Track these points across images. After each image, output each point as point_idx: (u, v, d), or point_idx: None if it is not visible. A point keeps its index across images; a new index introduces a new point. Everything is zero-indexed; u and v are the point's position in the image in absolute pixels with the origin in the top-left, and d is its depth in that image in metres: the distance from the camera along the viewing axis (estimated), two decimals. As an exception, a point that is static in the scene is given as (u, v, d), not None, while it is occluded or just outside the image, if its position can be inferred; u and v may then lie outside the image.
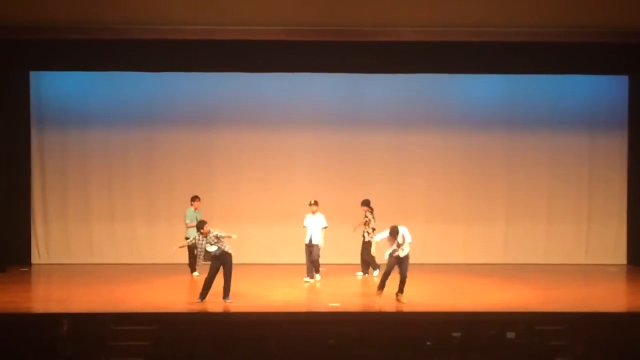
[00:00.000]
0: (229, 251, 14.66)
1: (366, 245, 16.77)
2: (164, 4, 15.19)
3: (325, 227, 16.66)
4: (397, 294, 14.69)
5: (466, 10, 15.23)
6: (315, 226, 16.64)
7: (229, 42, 16.08)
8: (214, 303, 14.68)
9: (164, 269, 17.97)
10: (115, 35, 15.64)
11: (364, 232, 17.08)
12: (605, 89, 19.08)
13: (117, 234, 18.96)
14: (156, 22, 15.38)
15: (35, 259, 18.84)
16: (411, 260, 18.46)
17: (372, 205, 17.26)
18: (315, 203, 16.70)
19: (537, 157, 19.21)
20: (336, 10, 15.18)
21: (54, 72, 18.52)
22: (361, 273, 17.17)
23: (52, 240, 18.95)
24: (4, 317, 13.39)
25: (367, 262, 17.00)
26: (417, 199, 19.17)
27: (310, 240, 16.61)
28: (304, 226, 16.73)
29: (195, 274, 17.07)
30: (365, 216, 17.09)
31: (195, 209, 17.34)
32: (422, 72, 17.90)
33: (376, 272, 16.82)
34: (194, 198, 17.46)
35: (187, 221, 17.28)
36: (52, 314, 13.71)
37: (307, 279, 16.65)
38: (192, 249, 16.65)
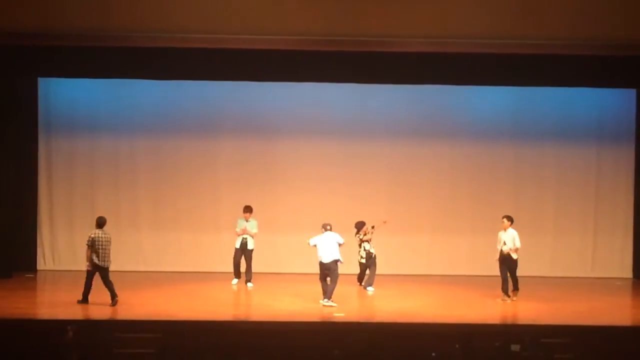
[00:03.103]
0: (96, 262, 14.83)
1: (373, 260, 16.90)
2: (173, 13, 15.22)
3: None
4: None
5: (474, 22, 15.24)
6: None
7: (237, 51, 16.12)
8: (220, 312, 14.70)
9: (170, 276, 18.03)
10: (124, 42, 15.70)
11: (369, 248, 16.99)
12: (612, 102, 19.08)
13: (123, 241, 18.91)
14: (164, 31, 15.43)
15: (41, 265, 18.89)
16: (416, 271, 18.69)
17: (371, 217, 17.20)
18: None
19: (544, 170, 19.21)
20: (344, 21, 15.19)
21: (62, 79, 18.58)
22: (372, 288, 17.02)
23: (58, 246, 18.99)
24: (10, 323, 13.40)
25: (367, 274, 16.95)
26: (423, 211, 19.16)
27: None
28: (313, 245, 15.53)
29: (245, 284, 17.26)
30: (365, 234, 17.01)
31: (246, 219, 17.28)
32: (429, 83, 17.98)
33: (371, 289, 16.82)
34: (245, 209, 17.31)
35: (237, 230, 17.32)
36: (58, 320, 13.72)
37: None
38: (236, 256, 17.20)
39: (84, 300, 14.90)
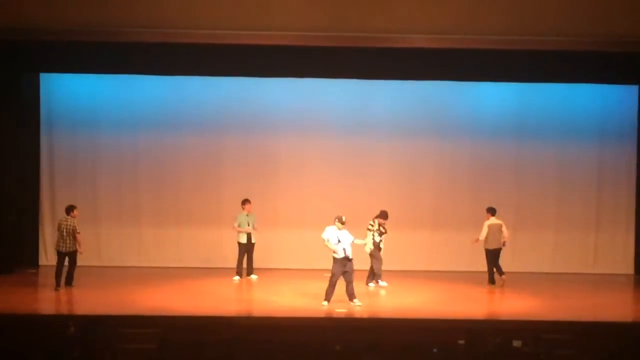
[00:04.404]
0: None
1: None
2: (176, 8, 15.22)
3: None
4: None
5: (477, 19, 15.24)
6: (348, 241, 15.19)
7: (239, 47, 16.12)
8: (221, 307, 14.71)
9: (171, 272, 18.04)
10: (125, 38, 15.68)
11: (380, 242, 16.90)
12: (615, 99, 19.05)
13: (124, 237, 18.99)
14: (167, 26, 15.42)
15: (42, 260, 18.90)
16: (418, 267, 18.71)
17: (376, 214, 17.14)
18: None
19: (546, 166, 19.19)
20: (347, 17, 15.20)
21: (64, 74, 18.58)
22: (373, 284, 17.02)
23: (59, 242, 18.99)
24: (12, 318, 13.40)
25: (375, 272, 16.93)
26: (425, 207, 19.15)
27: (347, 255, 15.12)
28: (323, 237, 15.02)
29: (236, 278, 17.30)
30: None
31: (247, 212, 17.33)
32: (431, 79, 17.99)
33: (373, 285, 16.87)
34: (244, 201, 17.37)
35: (235, 225, 17.35)
36: (59, 315, 13.74)
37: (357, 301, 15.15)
38: (242, 252, 17.25)
39: (57, 284, 16.00)
